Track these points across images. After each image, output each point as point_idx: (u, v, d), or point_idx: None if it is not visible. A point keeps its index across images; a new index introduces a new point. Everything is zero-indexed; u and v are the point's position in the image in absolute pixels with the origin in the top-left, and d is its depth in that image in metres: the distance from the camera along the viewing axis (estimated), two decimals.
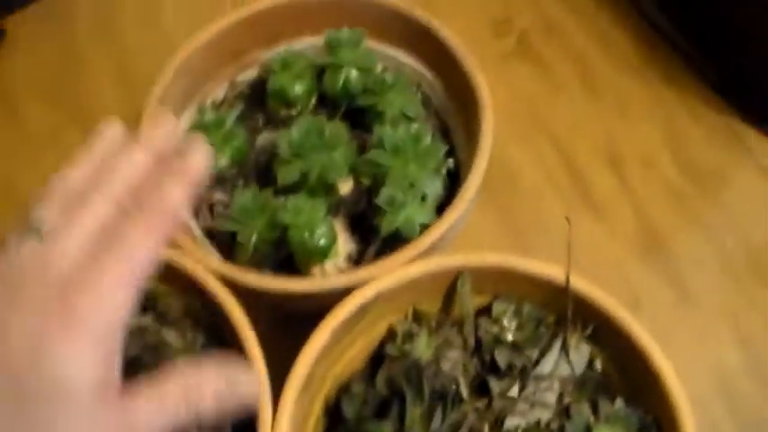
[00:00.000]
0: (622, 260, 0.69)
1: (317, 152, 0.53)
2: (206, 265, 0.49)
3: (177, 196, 0.36)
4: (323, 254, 0.52)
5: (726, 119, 0.75)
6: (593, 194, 0.71)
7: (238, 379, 0.38)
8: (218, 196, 0.58)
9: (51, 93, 0.79)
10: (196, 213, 0.58)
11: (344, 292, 0.48)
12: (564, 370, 0.50)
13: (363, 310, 0.48)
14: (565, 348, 0.50)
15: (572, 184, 0.72)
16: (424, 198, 0.53)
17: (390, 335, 0.52)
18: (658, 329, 0.64)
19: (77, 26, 0.84)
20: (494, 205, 0.51)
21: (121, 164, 0.37)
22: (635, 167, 0.73)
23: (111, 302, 0.33)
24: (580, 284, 0.48)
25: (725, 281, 0.68)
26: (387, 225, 0.50)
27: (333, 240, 0.52)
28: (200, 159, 0.38)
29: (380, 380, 0.49)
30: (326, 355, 0.48)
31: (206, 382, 0.37)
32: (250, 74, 0.64)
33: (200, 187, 0.38)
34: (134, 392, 0.35)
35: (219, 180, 0.58)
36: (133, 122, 0.74)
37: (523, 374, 0.49)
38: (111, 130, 0.39)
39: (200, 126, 0.57)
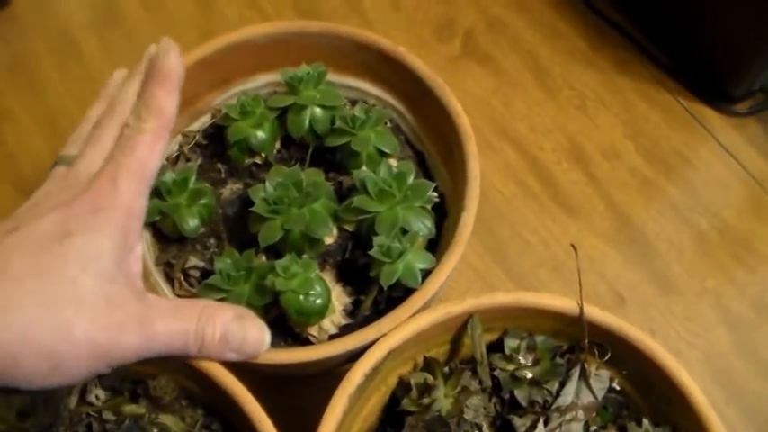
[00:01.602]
0: (602, 256, 0.68)
1: (297, 206, 0.50)
2: None
3: (166, 101, 0.44)
4: (320, 314, 0.49)
5: (681, 100, 0.75)
6: (566, 194, 0.70)
7: (249, 323, 0.44)
8: (192, 261, 0.54)
9: None
10: (171, 281, 0.54)
11: (353, 352, 0.46)
12: (585, 397, 0.48)
13: (376, 370, 0.46)
14: (584, 376, 0.48)
15: (543, 188, 0.71)
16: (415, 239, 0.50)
17: (402, 386, 0.50)
18: (646, 322, 0.65)
19: None
20: (475, 228, 0.49)
21: (125, 93, 0.46)
22: (600, 160, 0.72)
23: (127, 191, 0.41)
24: (594, 312, 0.47)
25: (703, 264, 0.68)
26: (387, 277, 0.48)
27: (328, 298, 0.49)
28: (174, 59, 0.45)
29: None
30: (344, 420, 0.46)
31: (221, 314, 0.42)
32: (202, 121, 0.60)
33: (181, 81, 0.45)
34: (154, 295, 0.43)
35: (190, 243, 0.55)
36: None
37: (545, 408, 0.48)
38: (118, 74, 0.49)
39: (161, 188, 0.53)
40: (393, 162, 0.55)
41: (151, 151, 0.42)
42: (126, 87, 0.46)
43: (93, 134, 0.44)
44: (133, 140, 0.42)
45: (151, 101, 0.43)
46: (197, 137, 0.59)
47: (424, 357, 0.50)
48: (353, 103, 0.59)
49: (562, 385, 0.48)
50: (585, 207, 0.70)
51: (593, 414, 0.48)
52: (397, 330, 0.46)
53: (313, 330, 0.51)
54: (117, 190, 0.40)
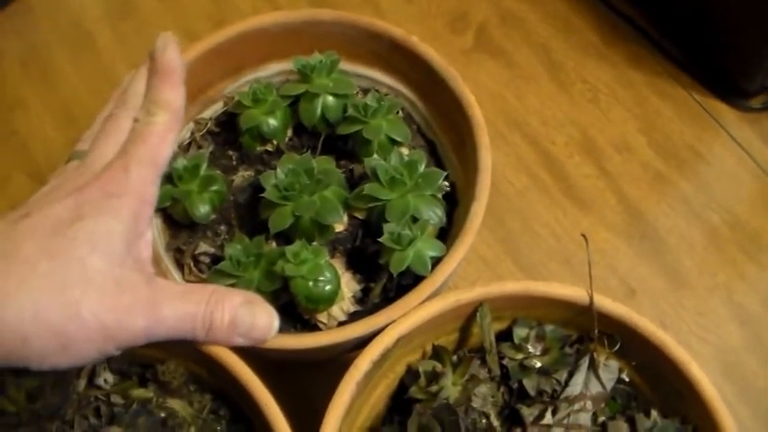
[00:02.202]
0: (613, 250, 0.68)
1: (308, 193, 0.50)
2: None
3: (172, 95, 0.45)
4: (329, 300, 0.49)
5: (694, 95, 0.75)
6: (577, 188, 0.70)
7: (258, 308, 0.44)
8: (202, 247, 0.54)
9: None
10: (181, 267, 0.55)
11: (362, 338, 0.46)
12: (594, 388, 0.48)
13: (384, 357, 0.46)
14: (593, 367, 0.48)
15: (554, 181, 0.70)
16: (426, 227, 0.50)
17: (411, 374, 0.50)
18: (656, 316, 0.65)
19: (5, 64, 0.78)
20: (484, 217, 0.49)
21: (136, 87, 0.46)
22: (612, 154, 0.72)
23: (138, 178, 0.42)
24: (604, 302, 0.47)
25: (715, 259, 0.68)
26: (397, 264, 0.48)
27: (338, 285, 0.49)
28: (172, 53, 0.46)
29: (412, 426, 0.46)
30: (352, 406, 0.46)
31: (230, 298, 0.43)
32: (214, 109, 0.60)
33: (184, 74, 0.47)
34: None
35: (201, 229, 0.55)
36: None
37: (554, 398, 0.48)
38: (128, 76, 0.48)
39: (172, 174, 0.53)
40: (404, 151, 0.54)
41: (162, 141, 0.44)
42: (135, 81, 0.47)
43: (106, 126, 0.45)
44: (144, 132, 0.43)
45: (157, 95, 0.45)
46: (209, 124, 0.59)
47: (433, 345, 0.50)
48: (365, 91, 0.59)
49: (571, 375, 0.48)
50: (597, 201, 0.70)
51: (602, 405, 0.48)
52: (407, 317, 0.46)
53: (322, 317, 0.51)
54: (129, 177, 0.41)
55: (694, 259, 0.68)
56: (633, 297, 0.66)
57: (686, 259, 0.68)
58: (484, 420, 0.48)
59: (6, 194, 0.71)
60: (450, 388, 0.48)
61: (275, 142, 0.57)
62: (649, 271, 0.67)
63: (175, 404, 0.49)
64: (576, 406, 0.47)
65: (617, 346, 0.48)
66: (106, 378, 0.49)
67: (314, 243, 0.50)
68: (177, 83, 0.46)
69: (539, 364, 0.48)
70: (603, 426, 0.47)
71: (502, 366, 0.49)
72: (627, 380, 0.49)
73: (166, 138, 0.44)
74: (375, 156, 0.53)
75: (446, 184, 0.54)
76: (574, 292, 0.47)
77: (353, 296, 0.52)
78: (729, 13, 0.69)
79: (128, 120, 0.45)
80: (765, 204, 0.70)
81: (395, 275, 0.49)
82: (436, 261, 0.49)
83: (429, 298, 0.47)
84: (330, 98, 0.55)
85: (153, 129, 0.44)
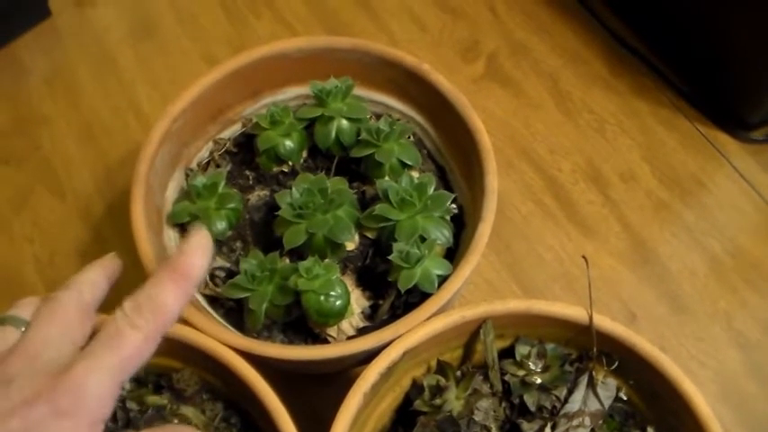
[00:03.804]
0: (616, 275, 0.70)
1: (322, 212, 0.52)
2: (223, 340, 0.48)
3: (173, 302, 0.39)
4: (339, 315, 0.51)
5: (698, 126, 0.77)
6: (582, 215, 0.72)
7: None
8: (218, 262, 0.56)
9: (14, 153, 0.77)
10: None
11: (369, 352, 0.48)
12: (592, 405, 0.50)
13: (391, 370, 0.48)
14: (592, 384, 0.50)
15: (560, 207, 0.72)
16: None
17: (416, 388, 0.51)
18: (657, 340, 0.66)
19: (32, 82, 0.81)
20: (490, 240, 0.51)
21: (87, 273, 0.42)
22: (617, 182, 0.74)
23: (98, 396, 0.36)
24: (603, 322, 0.48)
25: (716, 286, 0.69)
26: (405, 281, 0.50)
27: (348, 300, 0.51)
28: (200, 260, 0.40)
29: None
30: (358, 417, 0.47)
31: None
32: (233, 130, 0.63)
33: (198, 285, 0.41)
34: None
35: (217, 245, 0.57)
36: (109, 188, 0.73)
37: (553, 414, 0.50)
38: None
39: (192, 191, 0.55)
40: (415, 174, 0.57)
41: (138, 354, 0.38)
42: (90, 269, 0.43)
43: (49, 305, 0.40)
44: (122, 337, 0.37)
45: (156, 293, 0.39)
46: (227, 144, 0.62)
47: (438, 361, 0.52)
48: (378, 116, 0.61)
49: (570, 392, 0.50)
50: (601, 227, 0.71)
51: (600, 422, 0.49)
52: (413, 332, 0.48)
53: (332, 331, 0.53)
54: (87, 390, 0.36)
55: (696, 286, 0.69)
56: (634, 321, 0.67)
57: (687, 286, 0.69)
58: None
59: (29, 207, 0.73)
60: (454, 402, 0.49)
61: (291, 163, 0.59)
62: (651, 296, 0.68)
63: (188, 411, 0.51)
64: (575, 422, 0.49)
65: (615, 365, 0.50)
66: (123, 385, 0.51)
67: (326, 260, 0.52)
68: (185, 291, 0.40)
69: (539, 381, 0.50)
70: None
71: (504, 382, 0.51)
72: (624, 398, 0.51)
73: (143, 351, 0.38)
74: (386, 178, 0.55)
75: (454, 206, 0.56)
76: (574, 311, 0.49)
77: (362, 312, 0.54)
78: (733, 47, 0.71)
79: (76, 303, 0.41)
80: (767, 234, 0.71)
81: (402, 292, 0.51)
82: (443, 280, 0.51)
83: (435, 315, 0.49)
84: (344, 122, 0.58)
85: (132, 337, 0.37)
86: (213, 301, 0.56)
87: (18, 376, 0.36)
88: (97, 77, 0.81)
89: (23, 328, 0.40)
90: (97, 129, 0.78)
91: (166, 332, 0.39)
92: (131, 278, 0.47)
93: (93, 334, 0.40)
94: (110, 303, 0.42)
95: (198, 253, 0.41)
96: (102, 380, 0.36)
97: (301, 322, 0.53)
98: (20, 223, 0.72)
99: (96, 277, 0.43)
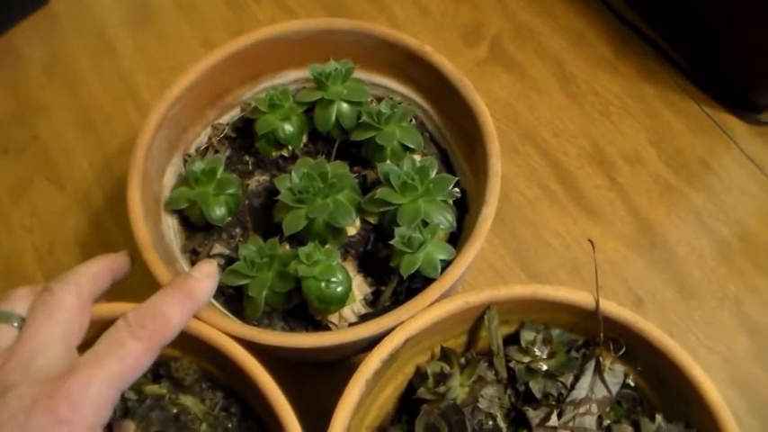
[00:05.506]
0: (622, 260, 0.69)
1: (322, 196, 0.51)
2: (222, 328, 0.47)
3: (176, 319, 0.41)
4: (341, 302, 0.50)
5: (705, 108, 0.75)
6: (588, 199, 0.71)
7: None
8: (218, 249, 0.55)
9: (13, 142, 0.76)
10: None
11: (371, 339, 0.47)
12: (599, 392, 0.49)
13: (393, 357, 0.47)
14: (599, 371, 0.49)
15: (565, 191, 0.71)
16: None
17: (419, 376, 0.51)
18: (665, 325, 0.65)
19: (30, 70, 0.80)
20: (495, 226, 0.50)
21: (89, 266, 0.43)
22: (623, 166, 0.73)
23: (97, 405, 0.37)
24: (610, 307, 0.47)
25: (724, 270, 0.68)
26: (407, 266, 0.49)
27: (349, 287, 0.50)
28: (208, 286, 0.44)
29: (419, 425, 0.47)
30: (361, 405, 0.47)
31: None
32: (232, 114, 0.62)
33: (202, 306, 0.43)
34: None
35: (217, 231, 0.56)
36: (108, 176, 0.72)
37: (559, 401, 0.49)
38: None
39: (190, 177, 0.54)
40: (417, 158, 0.56)
41: (137, 365, 0.39)
42: (91, 261, 0.44)
43: (45, 300, 0.41)
44: (124, 347, 0.39)
45: (161, 304, 0.41)
46: (226, 129, 0.61)
47: (441, 347, 0.51)
48: (379, 99, 0.60)
49: (576, 379, 0.49)
50: (607, 211, 0.70)
51: (607, 409, 0.48)
52: (415, 319, 0.47)
53: (333, 318, 0.52)
54: (87, 398, 0.36)
55: (704, 270, 0.68)
56: (641, 306, 0.66)
57: (695, 270, 0.68)
58: (490, 422, 0.49)
59: (28, 196, 0.72)
60: (458, 389, 0.48)
61: (290, 148, 0.58)
62: (658, 281, 0.67)
63: (188, 400, 0.50)
64: (582, 409, 0.48)
65: (622, 351, 0.49)
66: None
67: (327, 246, 0.51)
68: (189, 310, 0.42)
69: (545, 368, 0.49)
70: (608, 429, 0.48)
71: (509, 369, 0.50)
72: (632, 384, 0.50)
73: (143, 362, 0.39)
74: (388, 162, 0.54)
75: (457, 190, 0.55)
76: (580, 296, 0.48)
77: (364, 299, 0.53)
78: (741, 29, 0.70)
79: (73, 295, 0.41)
80: None
81: (405, 278, 0.50)
82: (446, 265, 0.50)
83: (438, 300, 0.48)
84: (345, 105, 0.57)
85: (133, 348, 0.39)
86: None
87: (16, 384, 0.36)
88: (96, 65, 0.80)
89: (16, 324, 0.40)
90: (96, 117, 0.77)
91: (160, 349, 0.40)
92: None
93: (92, 332, 0.40)
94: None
95: (206, 279, 0.44)
96: (102, 388, 0.37)
97: (302, 309, 0.53)
98: (19, 213, 0.72)
99: (98, 270, 0.44)
